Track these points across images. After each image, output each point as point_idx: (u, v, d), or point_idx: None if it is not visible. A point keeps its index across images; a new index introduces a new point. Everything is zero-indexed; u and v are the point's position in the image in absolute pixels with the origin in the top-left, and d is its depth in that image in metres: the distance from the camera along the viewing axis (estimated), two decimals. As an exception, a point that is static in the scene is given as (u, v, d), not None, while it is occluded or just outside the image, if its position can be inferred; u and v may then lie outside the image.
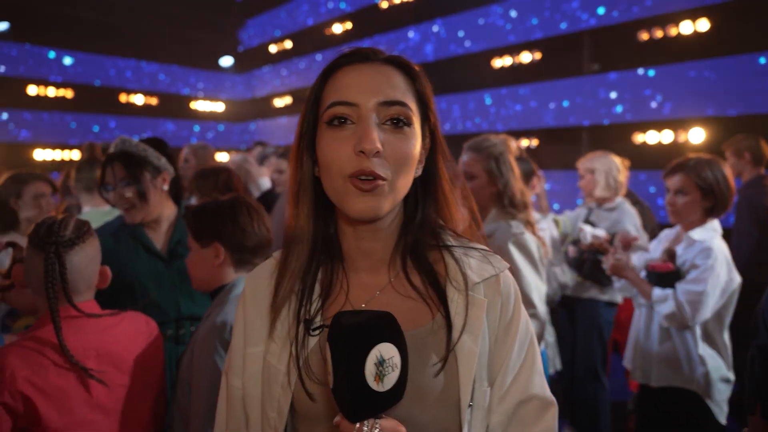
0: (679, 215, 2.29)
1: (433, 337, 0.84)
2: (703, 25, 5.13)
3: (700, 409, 2.19)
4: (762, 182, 3.68)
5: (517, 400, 0.87)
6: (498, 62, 7.00)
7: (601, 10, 5.92)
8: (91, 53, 9.50)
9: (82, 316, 1.38)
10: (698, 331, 2.21)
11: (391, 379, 0.71)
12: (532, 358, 0.89)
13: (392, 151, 0.80)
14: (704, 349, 2.20)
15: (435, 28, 7.72)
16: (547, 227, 3.14)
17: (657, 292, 2.26)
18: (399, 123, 0.81)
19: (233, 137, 11.54)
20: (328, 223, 0.90)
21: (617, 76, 5.92)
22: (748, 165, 3.76)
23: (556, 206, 6.00)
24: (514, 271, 1.96)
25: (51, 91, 9.10)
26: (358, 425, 0.71)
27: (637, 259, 2.56)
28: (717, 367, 2.19)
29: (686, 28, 5.24)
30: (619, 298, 3.25)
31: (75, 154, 9.13)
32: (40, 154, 8.87)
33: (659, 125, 5.57)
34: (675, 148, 5.32)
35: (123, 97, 10.09)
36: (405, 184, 0.83)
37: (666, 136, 5.50)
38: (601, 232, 2.98)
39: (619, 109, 5.89)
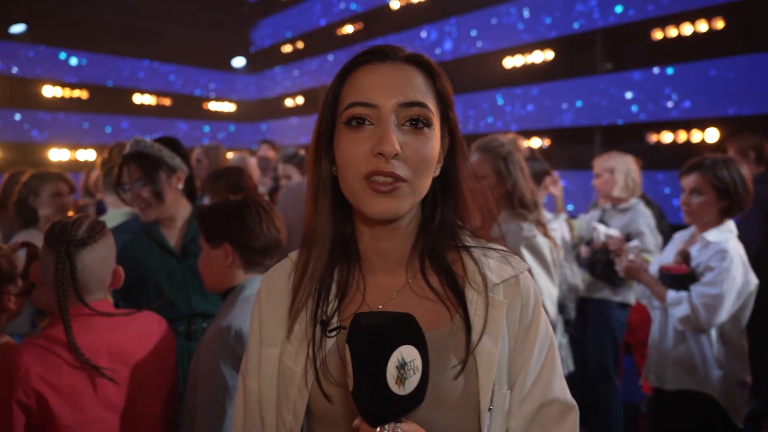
0: (694, 215, 2.26)
1: (452, 339, 0.82)
2: (719, 23, 5.06)
3: (716, 414, 2.16)
4: (765, 178, 3.64)
5: (538, 404, 0.85)
6: (510, 62, 6.97)
7: (615, 9, 5.87)
8: (106, 54, 9.60)
9: (94, 314, 1.39)
10: (714, 333, 2.18)
11: (413, 382, 0.70)
12: (552, 361, 0.88)
13: (411, 152, 0.79)
14: (720, 352, 2.16)
15: (447, 28, 7.70)
16: (559, 227, 3.11)
17: (671, 294, 2.23)
18: (418, 124, 0.80)
19: (246, 137, 11.60)
20: (346, 222, 0.89)
21: (630, 75, 5.86)
22: (752, 163, 3.72)
23: (570, 207, 5.96)
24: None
25: (66, 92, 9.21)
26: (378, 429, 0.70)
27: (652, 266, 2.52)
28: (733, 371, 2.15)
29: (701, 26, 5.18)
30: (631, 299, 3.21)
31: (90, 154, 9.24)
32: (56, 154, 8.98)
33: (673, 125, 5.51)
34: (690, 147, 5.26)
35: (136, 98, 10.19)
36: (424, 185, 0.82)
37: (680, 136, 5.43)
38: (615, 232, 2.95)
39: (632, 108, 5.84)
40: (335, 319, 0.85)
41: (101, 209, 3.64)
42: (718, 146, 4.87)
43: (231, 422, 1.35)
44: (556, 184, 3.46)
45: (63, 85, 9.18)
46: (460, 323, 0.83)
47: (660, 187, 5.37)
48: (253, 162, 5.20)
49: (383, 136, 0.77)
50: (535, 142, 6.67)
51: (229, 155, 8.27)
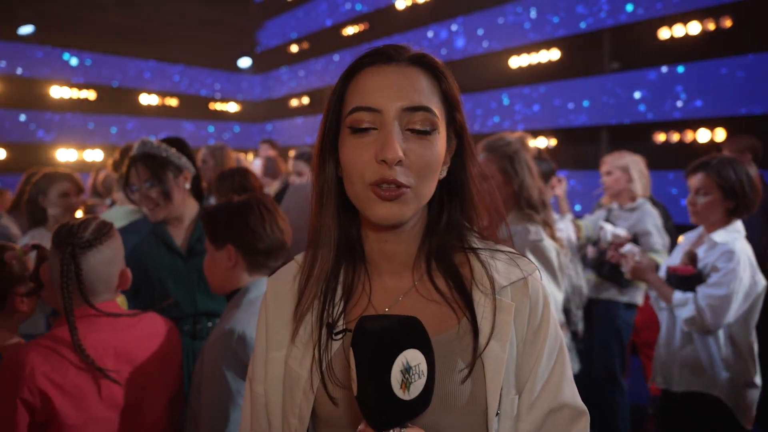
0: (699, 216, 2.24)
1: (458, 343, 0.81)
2: (727, 22, 5.03)
3: (724, 416, 2.14)
4: (762, 180, 3.62)
5: (547, 409, 0.83)
6: (516, 61, 6.95)
7: (621, 8, 5.84)
8: (112, 55, 9.66)
9: (101, 315, 1.39)
10: (722, 335, 2.16)
11: (418, 386, 0.69)
12: (562, 365, 0.86)
13: (415, 158, 0.78)
14: (728, 354, 2.14)
15: (454, 28, 7.69)
16: (565, 228, 3.09)
17: (677, 295, 2.21)
18: (423, 129, 0.79)
19: (251, 138, 11.63)
20: (351, 224, 0.88)
21: (637, 74, 5.83)
22: (748, 165, 3.70)
23: (577, 207, 5.93)
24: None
25: (73, 93, 9.27)
26: None
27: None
28: (742, 372, 2.13)
29: (708, 25, 5.14)
30: (639, 300, 3.19)
31: (97, 154, 9.29)
32: (63, 155, 9.03)
33: (680, 124, 5.48)
34: (697, 147, 5.23)
35: (143, 98, 10.24)
36: (429, 189, 0.81)
37: (687, 135, 5.40)
38: (622, 231, 2.94)
39: (639, 107, 5.81)
40: (341, 322, 0.84)
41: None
42: (716, 146, 4.84)
43: (234, 426, 1.35)
44: (561, 185, 3.45)
45: (70, 85, 9.23)
46: (467, 326, 0.82)
47: (668, 187, 5.34)
48: (255, 165, 5.20)
49: (386, 142, 0.76)
50: (542, 142, 6.65)
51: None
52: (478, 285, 0.84)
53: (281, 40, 11.37)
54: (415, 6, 8.30)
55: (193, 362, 1.91)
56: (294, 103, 11.11)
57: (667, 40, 5.51)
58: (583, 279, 3.16)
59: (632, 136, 5.91)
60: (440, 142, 0.81)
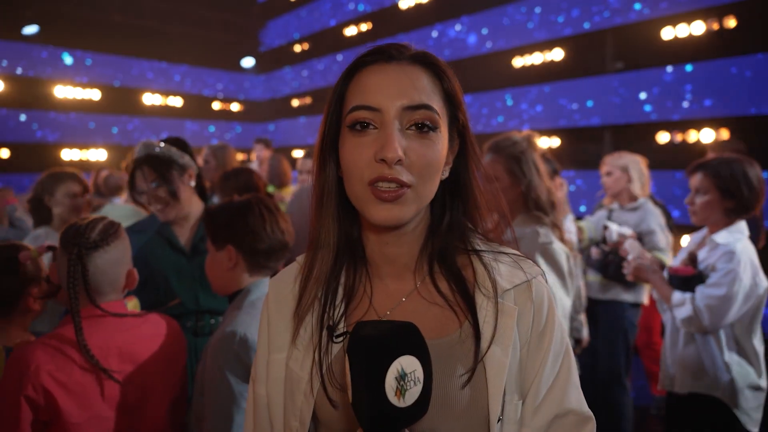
0: (697, 215, 2.23)
1: (460, 347, 0.80)
2: (731, 21, 5.01)
3: (727, 418, 2.13)
4: None
5: (552, 415, 0.82)
6: (519, 61, 6.94)
7: (626, 8, 5.82)
8: (115, 54, 9.68)
9: (106, 315, 1.40)
10: (723, 336, 2.14)
11: (413, 393, 0.67)
12: (567, 370, 0.84)
13: (416, 157, 0.76)
14: (730, 356, 2.13)
15: (458, 27, 7.68)
16: (567, 229, 3.08)
17: (676, 295, 2.20)
18: (424, 128, 0.77)
19: (254, 137, 11.63)
20: (352, 225, 0.87)
21: (641, 74, 5.82)
22: None
23: (582, 208, 5.92)
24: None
25: (76, 92, 9.29)
26: None
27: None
28: (744, 374, 2.12)
29: (712, 25, 5.12)
30: (644, 299, 3.18)
31: (101, 154, 9.31)
32: (68, 154, 9.06)
33: (684, 124, 5.46)
34: (699, 147, 5.21)
35: (146, 98, 10.26)
36: (430, 190, 0.80)
37: (690, 135, 5.38)
38: (627, 230, 2.93)
39: (644, 108, 5.79)
40: (342, 325, 0.83)
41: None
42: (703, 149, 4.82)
43: (238, 428, 1.35)
44: (562, 188, 3.44)
45: (73, 85, 9.25)
46: (469, 330, 0.81)
47: (674, 187, 5.32)
48: (253, 165, 5.21)
49: (386, 141, 0.75)
50: (545, 142, 6.64)
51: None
52: (480, 288, 0.83)
53: (284, 40, 11.37)
54: (418, 6, 8.29)
55: (195, 359, 1.93)
56: (297, 103, 11.12)
57: (670, 40, 5.50)
58: (582, 280, 3.14)
59: (636, 136, 5.89)
60: (442, 141, 0.80)
